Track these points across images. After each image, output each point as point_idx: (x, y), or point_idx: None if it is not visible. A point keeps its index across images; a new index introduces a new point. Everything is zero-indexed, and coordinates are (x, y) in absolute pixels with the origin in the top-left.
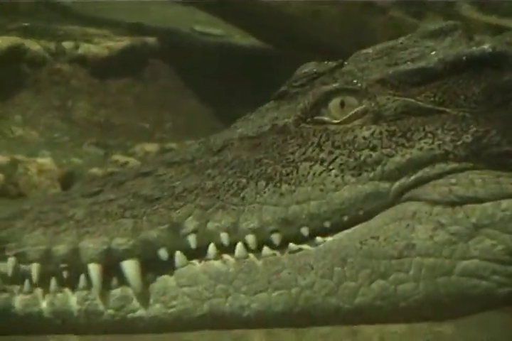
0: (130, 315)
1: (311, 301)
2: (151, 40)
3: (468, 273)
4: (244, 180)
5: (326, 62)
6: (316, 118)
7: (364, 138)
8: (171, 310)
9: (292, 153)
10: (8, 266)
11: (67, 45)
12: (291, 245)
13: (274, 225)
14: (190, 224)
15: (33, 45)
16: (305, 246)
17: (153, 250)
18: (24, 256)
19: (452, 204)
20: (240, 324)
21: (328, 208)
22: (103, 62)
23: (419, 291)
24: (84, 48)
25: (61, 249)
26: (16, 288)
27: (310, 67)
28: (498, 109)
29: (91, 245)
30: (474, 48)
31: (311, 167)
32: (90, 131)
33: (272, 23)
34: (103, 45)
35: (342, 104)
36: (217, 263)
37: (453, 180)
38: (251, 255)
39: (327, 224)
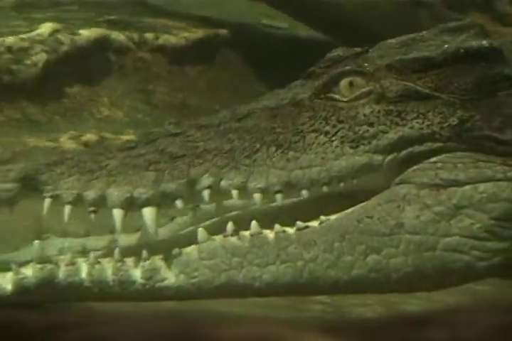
0: (158, 284)
1: (314, 273)
2: (223, 31)
3: (450, 248)
4: (258, 145)
5: (355, 48)
6: (327, 95)
7: (364, 115)
8: (193, 281)
9: (302, 124)
10: (45, 205)
11: (148, 35)
12: (299, 223)
13: (278, 186)
14: (206, 180)
15: (119, 36)
16: (311, 224)
17: (171, 201)
18: (59, 198)
19: (437, 187)
20: (252, 293)
21: (326, 174)
22: (180, 51)
23: (408, 265)
24: (164, 39)
25: (91, 193)
26: (61, 259)
27: (338, 52)
28: (485, 98)
29: (116, 192)
30: (473, 42)
31: (316, 137)
32: (169, 112)
33: (330, 16)
34: (180, 35)
35: (351, 84)
36: (233, 239)
37: (438, 165)
38: (264, 231)
39: (325, 189)
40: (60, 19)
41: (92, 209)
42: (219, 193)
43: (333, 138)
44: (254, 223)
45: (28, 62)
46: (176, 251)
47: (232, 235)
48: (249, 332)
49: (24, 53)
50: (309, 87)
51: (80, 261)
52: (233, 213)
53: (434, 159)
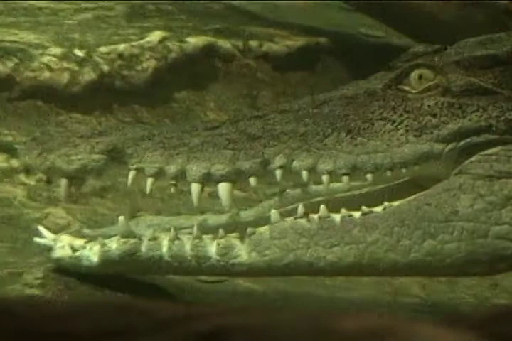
0: (232, 260)
1: (375, 255)
2: (323, 40)
3: (500, 236)
4: (329, 130)
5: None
6: (399, 86)
7: (429, 106)
8: (264, 258)
9: (372, 113)
10: (129, 177)
11: (253, 43)
12: (364, 208)
13: (345, 169)
14: (279, 160)
15: (225, 44)
16: (375, 209)
17: (245, 178)
18: (142, 171)
19: (491, 178)
20: (317, 272)
21: (390, 160)
22: (283, 58)
23: (461, 250)
24: (267, 46)
25: (172, 168)
26: (144, 234)
27: (418, 48)
28: None
29: (195, 168)
30: None
31: (384, 125)
32: None
33: (423, 26)
34: (283, 43)
35: (420, 77)
36: (303, 221)
37: (493, 157)
38: (332, 215)
39: (388, 173)
40: (169, 28)
41: (172, 182)
42: (290, 173)
43: (399, 127)
44: (322, 207)
45: (139, 68)
46: (250, 230)
47: (301, 217)
48: (373, 324)
49: (135, 60)
50: (386, 79)
51: (162, 237)
52: (314, 198)
53: (489, 151)
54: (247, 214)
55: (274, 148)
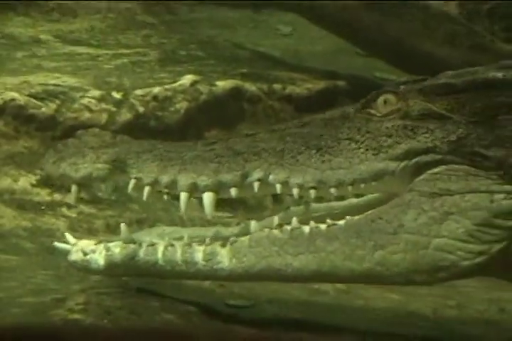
0: (215, 266)
1: (334, 263)
2: (340, 83)
3: (439, 248)
4: (303, 148)
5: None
6: (367, 110)
7: (386, 128)
8: (242, 265)
9: (341, 133)
10: (130, 186)
11: (276, 86)
12: (328, 220)
13: (312, 183)
14: (257, 174)
15: (251, 87)
16: (338, 222)
17: (227, 188)
18: (140, 180)
19: (433, 195)
20: (286, 278)
21: (351, 176)
22: (304, 99)
23: (406, 260)
24: (290, 89)
25: (165, 178)
26: (143, 240)
27: (404, 78)
28: (486, 120)
29: (183, 178)
30: (490, 74)
31: (348, 144)
32: None
33: (434, 70)
34: (304, 86)
35: (385, 102)
36: (277, 231)
37: (437, 176)
38: (302, 226)
39: (349, 189)
40: (199, 72)
41: (165, 191)
42: (266, 185)
43: (361, 146)
44: (294, 219)
45: (172, 109)
46: (232, 239)
47: (276, 228)
48: None
49: (168, 101)
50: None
51: (159, 243)
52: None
53: (434, 170)
54: (252, 226)
55: (254, 163)
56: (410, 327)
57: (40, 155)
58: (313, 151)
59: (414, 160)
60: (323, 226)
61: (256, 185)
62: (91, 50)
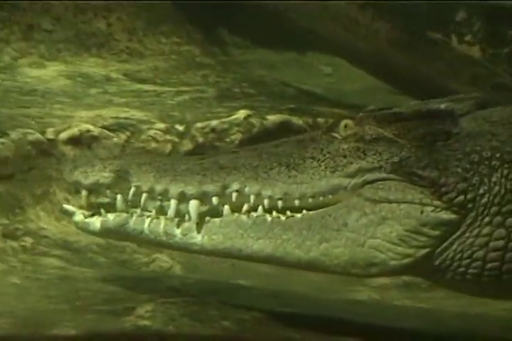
0: (190, 240)
1: (285, 250)
2: None
3: (373, 247)
4: (275, 164)
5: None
6: (330, 133)
7: (343, 149)
8: (211, 242)
9: (307, 152)
10: (130, 193)
11: (320, 120)
12: (288, 213)
13: (279, 195)
14: (235, 186)
15: (297, 120)
16: (296, 215)
17: (209, 197)
18: (138, 188)
19: (375, 201)
20: (246, 257)
21: (311, 190)
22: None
23: (345, 254)
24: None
25: (158, 187)
26: (133, 211)
27: (369, 107)
28: (427, 145)
29: (173, 188)
30: (435, 105)
31: (311, 163)
32: None
33: None
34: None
35: (345, 126)
36: (244, 217)
37: (381, 186)
38: (266, 214)
39: (310, 200)
40: (251, 107)
41: (159, 197)
42: (242, 196)
43: (321, 164)
44: (260, 208)
45: (228, 140)
46: (207, 219)
47: (244, 214)
48: None
49: (225, 133)
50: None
51: (146, 215)
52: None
53: (379, 183)
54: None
55: (233, 176)
56: (438, 333)
57: None
58: (283, 168)
59: (362, 178)
60: (282, 217)
61: (234, 195)
62: (156, 88)
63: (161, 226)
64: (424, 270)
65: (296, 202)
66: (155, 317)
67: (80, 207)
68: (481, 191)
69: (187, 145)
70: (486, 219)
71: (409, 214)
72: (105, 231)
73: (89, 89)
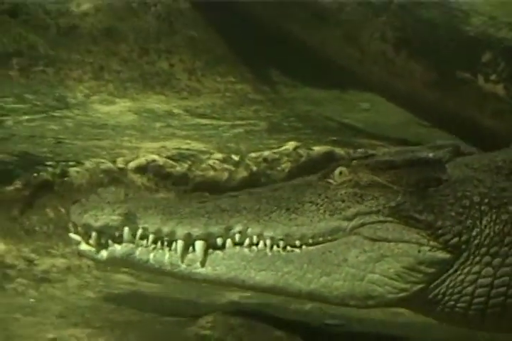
0: (194, 270)
1: (287, 281)
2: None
3: (372, 282)
4: (275, 208)
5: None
6: (326, 179)
7: (340, 194)
8: (215, 272)
9: (305, 197)
10: (138, 233)
11: (360, 151)
12: (288, 247)
13: (281, 236)
14: (238, 227)
15: (339, 151)
16: (295, 250)
17: (214, 238)
18: (145, 230)
19: (374, 240)
20: (248, 287)
21: (312, 231)
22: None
23: (344, 287)
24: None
25: (165, 228)
26: (139, 242)
27: (355, 153)
28: (420, 191)
29: (179, 230)
30: (424, 154)
31: (310, 206)
32: None
33: (484, 138)
34: (382, 150)
35: (340, 173)
36: (246, 250)
37: (378, 226)
38: (267, 249)
39: (310, 241)
40: (299, 139)
41: (166, 239)
42: (245, 236)
43: (320, 208)
44: (261, 242)
45: (278, 168)
46: (210, 251)
47: (246, 247)
48: None
49: (276, 162)
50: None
51: (151, 246)
52: None
53: (376, 224)
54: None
55: (236, 219)
56: None
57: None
58: (283, 211)
59: (361, 221)
60: (283, 252)
61: (238, 236)
62: (213, 122)
63: (166, 257)
64: (417, 303)
65: (297, 242)
66: (215, 328)
67: (89, 244)
68: (474, 233)
69: (242, 173)
70: (477, 258)
71: (407, 253)
72: (112, 260)
73: (154, 123)
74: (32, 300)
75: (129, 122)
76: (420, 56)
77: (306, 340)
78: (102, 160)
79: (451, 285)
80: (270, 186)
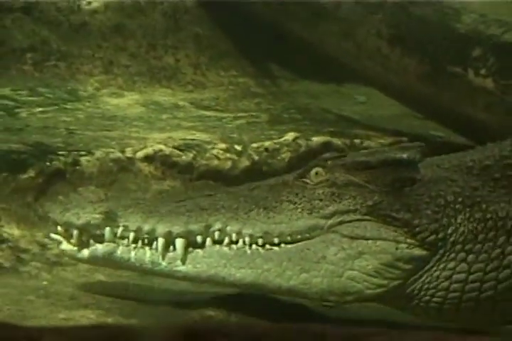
0: (174, 268)
1: (267, 278)
2: (404, 139)
3: (350, 278)
4: (253, 206)
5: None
6: (302, 179)
7: (318, 193)
8: (195, 270)
9: (283, 196)
10: (119, 231)
11: (356, 141)
12: (267, 246)
13: (259, 233)
14: (217, 225)
15: (337, 141)
16: (274, 248)
17: (194, 236)
18: (126, 228)
19: (352, 238)
20: (228, 285)
21: (290, 229)
22: None
23: (323, 284)
24: (367, 143)
25: (146, 226)
26: (120, 241)
27: (326, 155)
28: (395, 190)
29: (160, 227)
30: (398, 155)
31: (288, 205)
32: None
33: (474, 129)
34: (377, 141)
35: (317, 173)
36: (226, 248)
37: (356, 224)
38: (246, 247)
39: (288, 238)
40: (298, 130)
41: (146, 236)
42: (224, 234)
43: (298, 207)
44: (240, 241)
45: (279, 157)
46: (190, 249)
47: (226, 246)
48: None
49: (276, 152)
50: (296, 173)
51: (132, 246)
52: None
53: (354, 222)
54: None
55: (215, 217)
56: None
57: (181, 193)
58: (261, 209)
59: (339, 219)
60: (262, 250)
61: (217, 233)
62: (217, 114)
63: (147, 255)
64: (394, 298)
65: (275, 240)
66: (220, 309)
67: (70, 243)
68: (450, 231)
69: (244, 163)
70: (452, 255)
71: (385, 250)
72: (93, 259)
73: (160, 115)
74: (45, 282)
75: (137, 114)
76: (413, 52)
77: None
78: (112, 150)
79: (427, 280)
80: (247, 185)
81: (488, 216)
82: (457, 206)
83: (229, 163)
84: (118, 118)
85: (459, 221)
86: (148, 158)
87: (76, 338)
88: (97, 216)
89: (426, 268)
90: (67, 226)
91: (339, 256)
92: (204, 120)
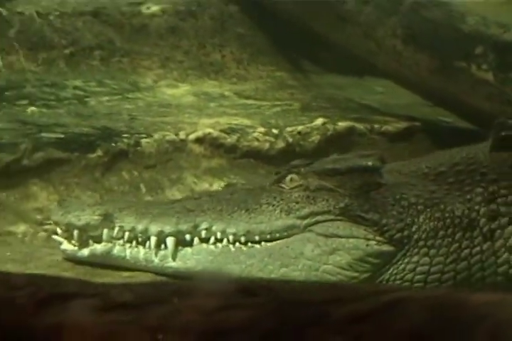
0: (166, 264)
1: (250, 273)
2: (417, 123)
3: (326, 272)
4: (236, 208)
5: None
6: (279, 184)
7: (295, 197)
8: (185, 266)
9: (262, 199)
10: (115, 232)
11: (376, 126)
12: (249, 243)
13: (242, 232)
14: (204, 225)
15: (360, 126)
16: (256, 245)
17: (183, 234)
18: (122, 228)
19: (326, 236)
20: (214, 279)
21: (269, 228)
22: (394, 134)
23: (302, 277)
24: (385, 128)
25: (139, 226)
26: (117, 241)
27: (298, 162)
28: (363, 194)
29: (153, 227)
30: (364, 162)
31: (267, 207)
32: None
33: (476, 115)
34: (394, 125)
35: (291, 179)
36: (212, 246)
37: (330, 224)
38: (230, 245)
39: (268, 236)
40: (326, 116)
41: (140, 235)
42: (210, 233)
43: (276, 209)
44: (225, 239)
45: (310, 140)
46: (180, 248)
47: (212, 244)
48: (495, 298)
49: (307, 135)
50: (272, 180)
51: (127, 245)
52: None
53: (328, 222)
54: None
55: (202, 218)
56: None
57: (227, 170)
58: (243, 211)
59: (314, 219)
60: (244, 247)
61: (204, 232)
62: (257, 102)
63: (141, 253)
64: None
65: (256, 238)
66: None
67: (71, 243)
68: (413, 229)
69: (280, 144)
70: (416, 250)
71: (356, 247)
72: (92, 258)
73: (209, 104)
74: None
75: (189, 102)
76: (424, 49)
77: None
78: (168, 133)
79: (394, 272)
80: (226, 190)
81: (446, 215)
82: (419, 207)
83: (267, 145)
84: (173, 106)
85: (421, 220)
86: (198, 140)
87: (139, 293)
88: (96, 217)
89: (393, 261)
90: (69, 227)
91: (315, 253)
92: (246, 108)
